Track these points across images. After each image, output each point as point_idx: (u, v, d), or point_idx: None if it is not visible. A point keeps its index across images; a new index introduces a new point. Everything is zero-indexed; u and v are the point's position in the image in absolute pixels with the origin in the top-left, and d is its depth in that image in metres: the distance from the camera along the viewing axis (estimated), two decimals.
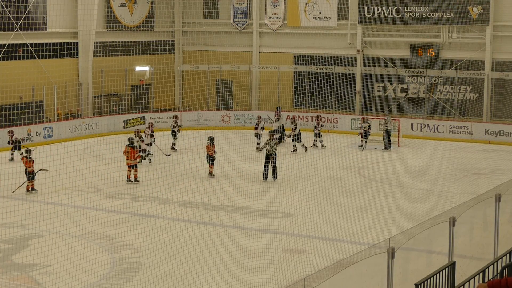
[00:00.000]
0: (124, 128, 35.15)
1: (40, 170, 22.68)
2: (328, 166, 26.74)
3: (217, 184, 23.83)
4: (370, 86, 37.27)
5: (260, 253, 16.37)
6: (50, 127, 32.38)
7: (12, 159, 27.66)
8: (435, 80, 36.01)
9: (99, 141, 31.67)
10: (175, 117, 31.50)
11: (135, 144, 25.33)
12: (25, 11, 32.81)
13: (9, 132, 28.63)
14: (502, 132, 32.94)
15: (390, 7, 36.12)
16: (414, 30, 36.05)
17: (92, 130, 34.08)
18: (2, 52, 31.81)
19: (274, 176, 24.59)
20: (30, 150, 23.50)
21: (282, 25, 39.09)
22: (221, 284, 14.79)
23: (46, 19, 33.77)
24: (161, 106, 38.56)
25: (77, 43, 35.48)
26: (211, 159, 25.23)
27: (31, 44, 32.90)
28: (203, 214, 20.75)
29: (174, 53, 40.56)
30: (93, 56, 35.54)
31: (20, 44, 32.69)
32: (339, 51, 37.50)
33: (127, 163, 24.62)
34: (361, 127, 31.29)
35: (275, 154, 24.58)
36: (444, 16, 35.08)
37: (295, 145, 29.86)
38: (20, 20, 32.48)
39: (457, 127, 33.83)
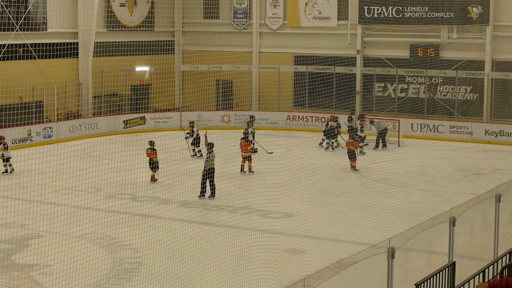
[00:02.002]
0: (124, 128, 35.17)
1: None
2: (328, 166, 26.74)
3: (217, 184, 23.80)
4: (370, 86, 37.27)
5: (260, 253, 16.37)
6: (50, 127, 32.38)
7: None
8: (435, 80, 36.01)
9: (99, 141, 31.68)
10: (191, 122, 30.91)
11: (248, 137, 26.48)
12: (25, 11, 32.80)
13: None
14: (502, 132, 32.94)
15: (390, 7, 36.13)
16: (414, 30, 36.05)
17: (92, 130, 34.08)
18: (2, 52, 31.81)
19: (212, 193, 22.41)
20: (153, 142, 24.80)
21: (282, 25, 39.09)
22: (221, 284, 14.79)
23: (46, 19, 33.77)
24: (161, 106, 38.57)
25: (77, 43, 35.47)
26: (154, 165, 24.61)
27: (31, 44, 32.89)
28: (203, 214, 20.76)
29: (174, 53, 40.56)
30: (93, 56, 35.54)
31: (20, 44, 32.68)
32: (339, 51, 37.50)
33: (242, 155, 25.98)
34: (327, 125, 31.31)
35: (213, 169, 22.49)
36: (444, 16, 35.08)
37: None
38: (20, 20, 32.48)
39: (457, 127, 33.83)
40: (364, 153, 29.63)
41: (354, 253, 10.62)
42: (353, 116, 31.74)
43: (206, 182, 22.45)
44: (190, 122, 29.98)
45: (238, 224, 19.43)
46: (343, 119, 35.41)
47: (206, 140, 23.28)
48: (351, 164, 26.77)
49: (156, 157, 24.63)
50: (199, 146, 29.11)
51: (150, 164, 24.70)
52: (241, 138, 26.35)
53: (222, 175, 25.35)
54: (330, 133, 30.74)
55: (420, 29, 35.89)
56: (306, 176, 25.37)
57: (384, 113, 35.08)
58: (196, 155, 29.03)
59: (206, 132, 24.98)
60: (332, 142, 30.83)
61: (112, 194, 22.92)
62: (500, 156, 29.92)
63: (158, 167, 24.64)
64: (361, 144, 29.64)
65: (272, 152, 28.75)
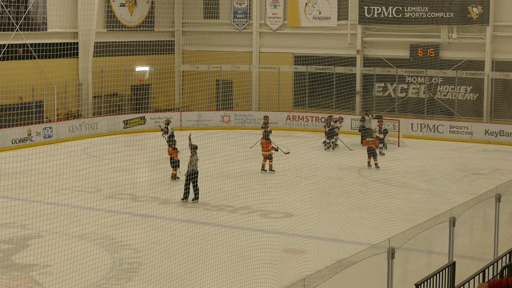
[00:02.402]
0: (124, 128, 35.17)
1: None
2: (328, 166, 26.74)
3: (217, 184, 23.81)
4: (370, 86, 37.27)
5: (260, 253, 16.36)
6: (50, 127, 32.38)
7: None
8: (435, 80, 36.01)
9: (99, 141, 31.67)
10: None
11: (269, 137, 26.46)
12: (25, 11, 32.80)
13: None
14: (502, 132, 32.94)
15: (390, 7, 36.13)
16: (414, 30, 36.05)
17: (92, 130, 34.08)
18: (2, 52, 31.81)
19: (196, 196, 21.87)
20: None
21: (282, 25, 39.09)
22: (221, 284, 14.78)
23: (46, 19, 33.76)
24: (161, 106, 38.57)
25: (77, 43, 35.47)
26: (175, 163, 24.50)
27: (31, 44, 32.89)
28: (203, 214, 20.75)
29: (174, 53, 40.56)
30: (93, 56, 35.54)
31: (20, 44, 32.68)
32: (339, 51, 37.50)
33: (263, 154, 26.28)
34: (328, 125, 31.17)
35: (197, 172, 21.90)
36: (444, 16, 35.09)
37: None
38: (20, 20, 32.48)
39: (457, 127, 33.83)
40: (383, 154, 29.41)
41: (354, 253, 10.62)
42: (366, 117, 31.60)
43: (189, 185, 21.85)
44: (166, 121, 29.91)
45: (238, 224, 19.43)
46: (343, 119, 35.41)
47: (190, 142, 22.80)
48: (368, 162, 27.05)
49: (177, 155, 24.61)
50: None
51: (171, 162, 24.71)
52: (262, 138, 26.61)
53: (222, 175, 25.35)
54: (331, 133, 30.72)
55: (420, 29, 35.89)
56: (306, 176, 25.36)
57: (384, 113, 35.05)
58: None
59: (190, 134, 24.54)
60: (333, 142, 30.80)
61: (112, 194, 22.91)
62: (500, 156, 29.92)
63: (179, 166, 24.54)
64: (380, 145, 29.51)
65: (288, 152, 28.55)
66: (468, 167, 27.45)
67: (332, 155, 29.03)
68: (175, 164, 24.60)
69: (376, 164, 27.08)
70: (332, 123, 31.27)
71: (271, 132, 27.10)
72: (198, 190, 21.88)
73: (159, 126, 30.17)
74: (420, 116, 35.44)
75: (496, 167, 27.48)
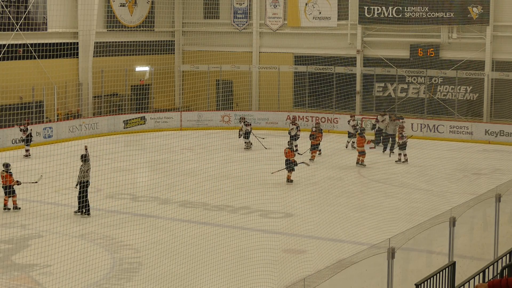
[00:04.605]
0: (124, 128, 35.16)
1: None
2: (328, 166, 26.75)
3: (217, 184, 23.82)
4: (370, 86, 37.26)
5: (260, 253, 16.37)
6: (50, 127, 32.38)
7: None
8: (435, 80, 36.01)
9: (99, 141, 31.65)
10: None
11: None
12: (25, 11, 32.80)
13: None
14: (502, 132, 32.94)
15: (390, 7, 36.12)
16: (414, 30, 36.05)
17: (92, 130, 34.07)
18: (2, 52, 31.80)
19: (87, 210, 20.31)
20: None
21: (282, 25, 39.09)
22: (221, 284, 14.78)
23: (46, 19, 33.76)
24: (161, 106, 38.57)
25: (77, 43, 35.47)
26: (291, 166, 24.19)
27: (31, 44, 32.89)
28: (203, 214, 20.75)
29: (174, 53, 40.56)
30: (93, 56, 35.53)
31: (20, 44, 32.68)
32: (339, 51, 37.50)
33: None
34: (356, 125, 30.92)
35: (87, 183, 20.47)
36: (444, 16, 35.08)
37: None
38: (20, 20, 32.47)
39: (457, 127, 33.82)
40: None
41: (354, 253, 10.62)
42: (379, 117, 31.49)
43: (82, 196, 20.27)
44: (25, 122, 29.43)
45: (238, 224, 19.42)
46: (344, 119, 35.43)
47: (86, 153, 21.08)
48: (357, 160, 27.19)
49: (294, 157, 24.40)
50: (28, 145, 28.60)
51: (286, 164, 24.26)
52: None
53: (222, 175, 25.36)
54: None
55: (420, 29, 35.88)
56: (306, 176, 25.36)
57: (384, 113, 35.02)
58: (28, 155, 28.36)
59: (86, 146, 22.25)
60: (353, 142, 30.21)
61: (112, 194, 22.91)
62: (500, 156, 29.92)
63: (293, 169, 24.16)
64: (404, 152, 28.21)
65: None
66: (468, 167, 27.45)
67: (332, 155, 29.02)
68: (291, 166, 24.00)
69: (362, 162, 27.13)
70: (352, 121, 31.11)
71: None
72: (88, 203, 20.32)
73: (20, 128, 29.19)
74: (420, 116, 35.43)
75: (496, 167, 27.48)
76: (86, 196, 20.30)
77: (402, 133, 28.56)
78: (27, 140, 28.85)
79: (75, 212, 20.48)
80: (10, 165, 21.21)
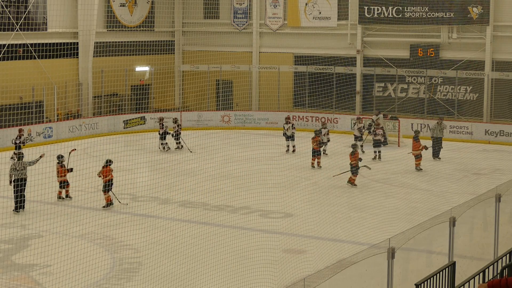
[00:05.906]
0: (124, 128, 35.16)
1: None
2: (328, 166, 26.74)
3: (217, 184, 23.82)
4: (370, 86, 37.27)
5: (260, 253, 16.37)
6: (50, 127, 32.38)
7: None
8: (435, 80, 36.01)
9: (99, 141, 31.65)
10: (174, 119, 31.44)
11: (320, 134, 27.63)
12: (25, 11, 32.80)
13: None
14: (502, 132, 32.94)
15: (390, 7, 36.13)
16: (414, 30, 36.05)
17: (92, 130, 34.08)
18: (2, 52, 31.81)
19: (22, 206, 20.65)
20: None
21: (282, 25, 39.09)
22: (221, 284, 14.79)
23: (46, 19, 33.77)
24: (161, 106, 38.58)
25: (77, 43, 35.47)
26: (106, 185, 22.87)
27: (31, 44, 32.90)
28: (203, 214, 20.75)
29: (174, 53, 40.57)
30: (93, 56, 35.54)
31: (20, 44, 32.69)
32: (339, 51, 37.50)
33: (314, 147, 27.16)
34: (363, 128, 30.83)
35: (25, 179, 20.65)
36: (444, 16, 35.08)
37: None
38: (20, 20, 32.48)
39: (457, 127, 33.82)
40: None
41: (354, 253, 10.62)
42: (374, 117, 31.48)
43: (19, 193, 20.54)
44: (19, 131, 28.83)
45: (238, 224, 19.42)
46: (343, 119, 35.42)
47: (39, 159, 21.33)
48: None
49: (355, 161, 24.19)
50: (20, 148, 27.76)
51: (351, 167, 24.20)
52: (315, 135, 27.39)
53: (222, 175, 25.36)
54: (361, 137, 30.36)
55: (420, 29, 35.89)
56: (306, 176, 25.35)
57: (384, 113, 35.03)
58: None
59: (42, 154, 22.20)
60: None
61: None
62: (500, 156, 29.92)
63: (357, 173, 24.19)
64: (379, 150, 28.61)
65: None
66: (468, 167, 27.45)
67: (332, 155, 29.02)
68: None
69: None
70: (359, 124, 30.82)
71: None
72: (24, 198, 20.58)
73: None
74: (420, 116, 35.43)
75: (496, 167, 27.47)
76: (22, 192, 20.61)
77: (376, 131, 28.88)
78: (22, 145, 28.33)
79: (13, 210, 20.58)
80: (63, 157, 22.07)
